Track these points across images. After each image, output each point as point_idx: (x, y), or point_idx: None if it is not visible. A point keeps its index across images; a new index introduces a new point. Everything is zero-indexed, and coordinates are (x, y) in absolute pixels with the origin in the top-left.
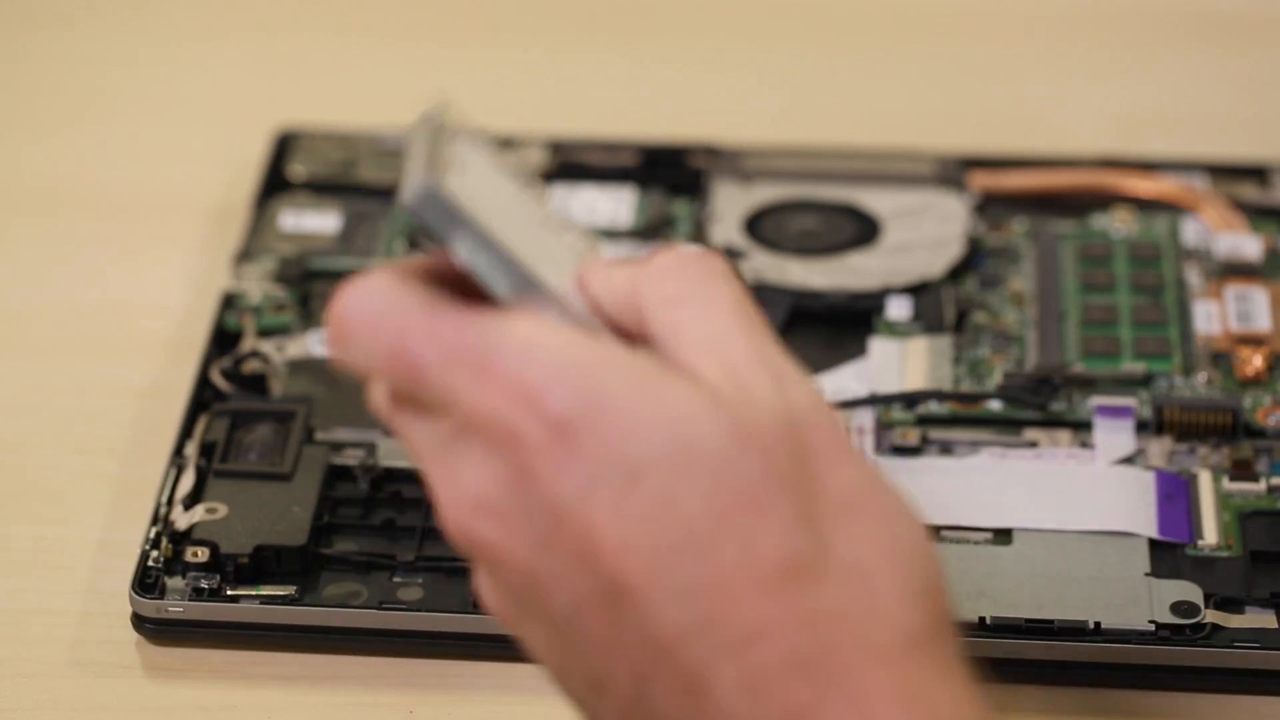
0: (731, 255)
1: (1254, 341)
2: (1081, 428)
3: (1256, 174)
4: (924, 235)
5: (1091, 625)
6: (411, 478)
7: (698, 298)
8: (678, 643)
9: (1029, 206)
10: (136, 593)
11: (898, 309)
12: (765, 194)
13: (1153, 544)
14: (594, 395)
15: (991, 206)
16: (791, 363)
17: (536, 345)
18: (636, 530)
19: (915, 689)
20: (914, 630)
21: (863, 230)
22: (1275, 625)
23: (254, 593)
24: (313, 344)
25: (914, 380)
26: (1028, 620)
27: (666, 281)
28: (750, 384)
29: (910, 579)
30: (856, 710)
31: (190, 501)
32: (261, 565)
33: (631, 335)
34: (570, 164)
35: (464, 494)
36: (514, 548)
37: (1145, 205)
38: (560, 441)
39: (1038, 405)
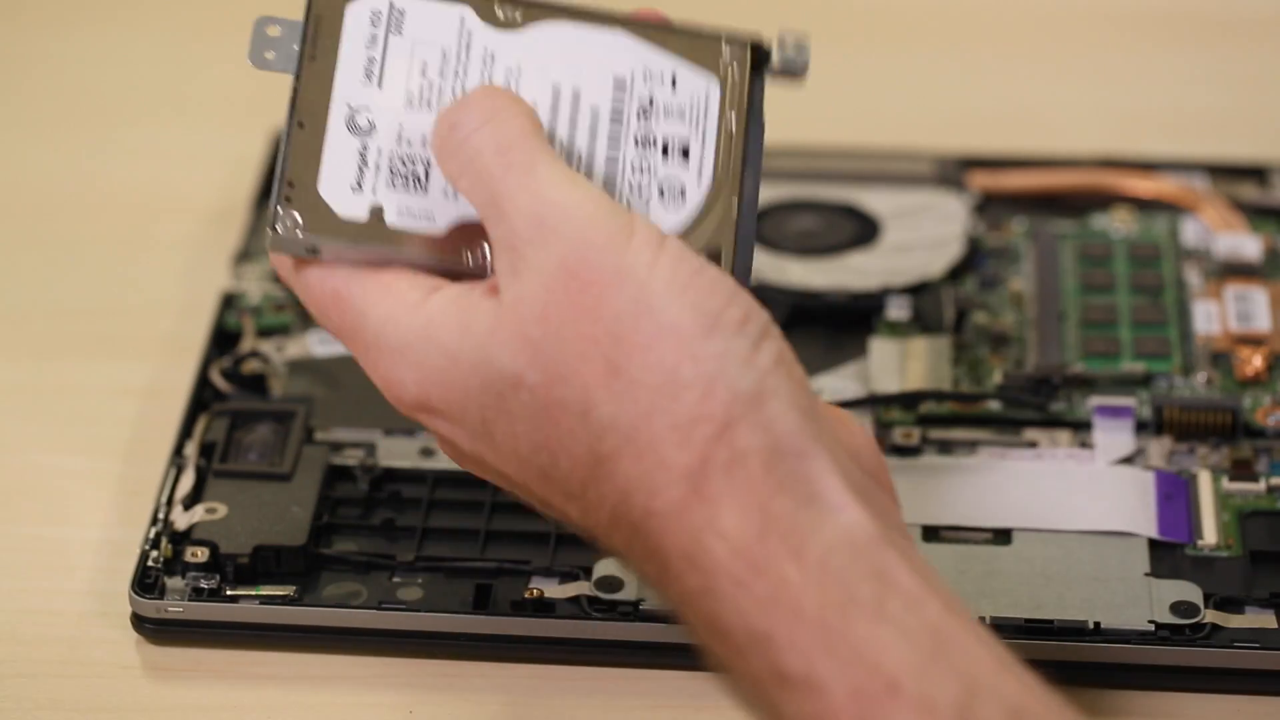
0: None
1: (1254, 341)
2: (1081, 428)
3: (1256, 174)
4: (924, 235)
5: (1091, 625)
6: (411, 478)
7: (461, 158)
8: (580, 522)
9: (1029, 206)
10: (136, 593)
11: (897, 309)
12: (765, 194)
13: (1152, 544)
14: (436, 376)
15: (991, 206)
16: (539, 208)
17: (385, 334)
18: (512, 465)
19: (695, 539)
20: (689, 470)
21: (863, 230)
22: (1275, 625)
23: (254, 593)
24: (312, 344)
25: (914, 380)
26: (1027, 620)
27: (444, 133)
28: (505, 272)
29: (677, 415)
30: (672, 579)
31: (190, 502)
32: (261, 565)
33: None
34: None
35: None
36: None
37: (1145, 205)
38: (430, 415)
39: (1037, 405)
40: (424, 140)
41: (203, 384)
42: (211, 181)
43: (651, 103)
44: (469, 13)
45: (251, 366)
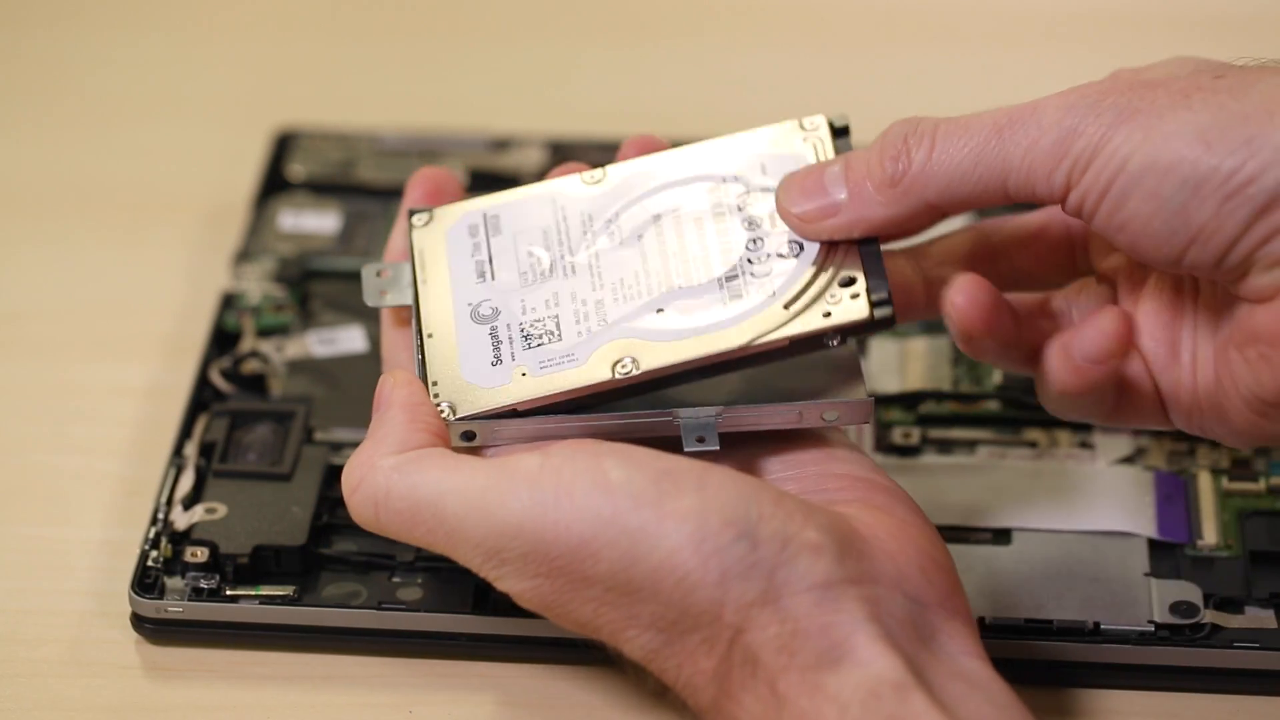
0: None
1: None
2: (1081, 428)
3: None
4: (923, 235)
5: (1091, 625)
6: None
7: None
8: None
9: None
10: (136, 593)
11: None
12: None
13: (1152, 544)
14: (511, 542)
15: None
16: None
17: (461, 515)
18: (588, 617)
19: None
20: (716, 672)
21: None
22: (1275, 625)
23: (253, 593)
24: (312, 344)
25: (914, 380)
26: (1027, 620)
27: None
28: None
29: (700, 633)
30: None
31: (190, 501)
32: (261, 565)
33: None
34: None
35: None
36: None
37: None
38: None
39: (1037, 405)
40: (547, 303)
41: (202, 384)
42: (211, 181)
43: (748, 190)
44: (557, 189)
45: (251, 366)
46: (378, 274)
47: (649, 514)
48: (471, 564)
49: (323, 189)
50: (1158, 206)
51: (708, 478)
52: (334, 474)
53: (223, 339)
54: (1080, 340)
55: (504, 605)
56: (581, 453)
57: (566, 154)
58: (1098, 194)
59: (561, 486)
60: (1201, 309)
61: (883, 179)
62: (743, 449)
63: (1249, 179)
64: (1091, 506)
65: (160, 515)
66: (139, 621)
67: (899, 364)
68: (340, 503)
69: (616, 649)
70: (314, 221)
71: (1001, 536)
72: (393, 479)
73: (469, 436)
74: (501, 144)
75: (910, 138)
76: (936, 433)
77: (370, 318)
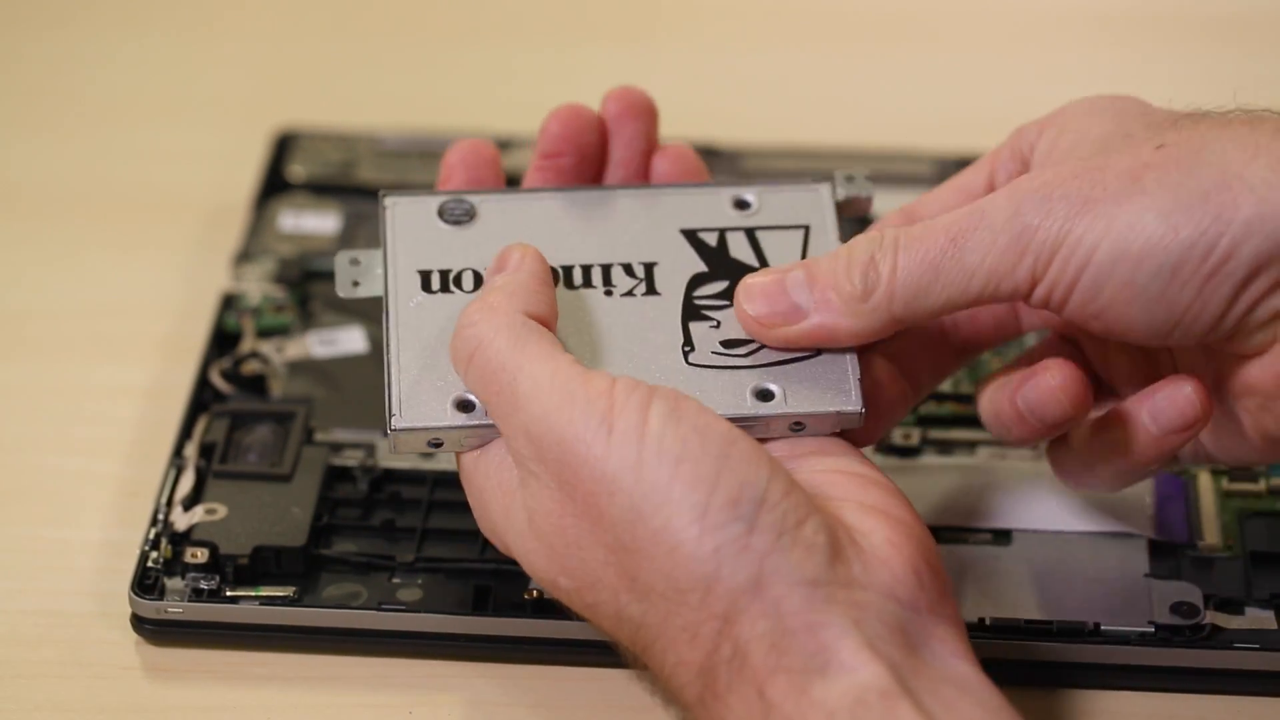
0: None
1: None
2: None
3: None
4: None
5: (1091, 626)
6: (411, 479)
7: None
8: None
9: None
10: (136, 593)
11: None
12: None
13: (1152, 544)
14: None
15: None
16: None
17: (529, 398)
18: (596, 570)
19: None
20: (701, 666)
21: (863, 230)
22: (1275, 626)
23: (253, 594)
24: (312, 345)
25: None
26: (1027, 621)
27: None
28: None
29: (685, 618)
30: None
31: (190, 502)
32: (261, 566)
33: None
34: None
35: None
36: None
37: None
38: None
39: None
40: None
41: (202, 385)
42: (211, 181)
43: None
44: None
45: (251, 367)
46: (351, 263)
47: (665, 472)
48: (514, 448)
49: (323, 190)
50: (1134, 294)
51: (732, 450)
52: (334, 475)
53: (223, 340)
54: (1161, 411)
55: (504, 605)
56: (640, 389)
57: None
58: (1066, 286)
59: (610, 418)
60: (1182, 364)
61: (851, 293)
62: None
63: (1225, 255)
64: (1091, 507)
65: (160, 516)
66: (139, 622)
67: None
68: (340, 503)
69: (613, 634)
70: (314, 222)
71: (1001, 537)
72: (502, 335)
73: (436, 445)
74: (501, 144)
75: (877, 252)
76: (936, 433)
77: (370, 319)
